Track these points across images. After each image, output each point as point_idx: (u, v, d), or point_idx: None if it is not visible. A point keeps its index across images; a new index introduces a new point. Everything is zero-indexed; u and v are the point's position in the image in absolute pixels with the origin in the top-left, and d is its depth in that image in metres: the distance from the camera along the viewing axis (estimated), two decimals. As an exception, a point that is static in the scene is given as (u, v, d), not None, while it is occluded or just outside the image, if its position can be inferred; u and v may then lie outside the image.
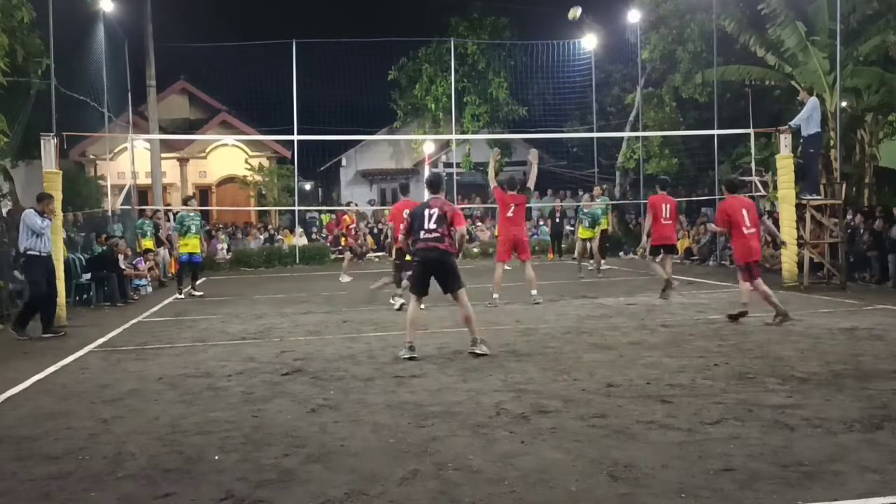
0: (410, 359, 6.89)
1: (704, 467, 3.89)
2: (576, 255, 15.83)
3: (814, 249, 12.42)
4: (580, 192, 23.25)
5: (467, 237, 7.76)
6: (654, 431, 4.53)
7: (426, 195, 7.38)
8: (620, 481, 3.73)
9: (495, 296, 10.68)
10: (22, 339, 9.03)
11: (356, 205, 22.37)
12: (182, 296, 13.27)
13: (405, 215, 7.76)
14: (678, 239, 19.79)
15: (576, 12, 18.33)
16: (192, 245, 13.28)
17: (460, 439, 4.49)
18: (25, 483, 4.00)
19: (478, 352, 7.03)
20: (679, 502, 3.47)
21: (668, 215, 11.11)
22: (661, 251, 11.27)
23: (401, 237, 7.49)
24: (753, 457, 4.02)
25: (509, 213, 10.72)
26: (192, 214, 13.53)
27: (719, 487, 3.61)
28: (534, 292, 10.83)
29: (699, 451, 4.14)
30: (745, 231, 8.54)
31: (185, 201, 14.09)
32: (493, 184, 11.76)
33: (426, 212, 7.10)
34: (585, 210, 15.91)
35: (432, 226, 7.02)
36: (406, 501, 3.58)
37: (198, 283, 14.26)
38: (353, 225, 15.25)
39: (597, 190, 17.66)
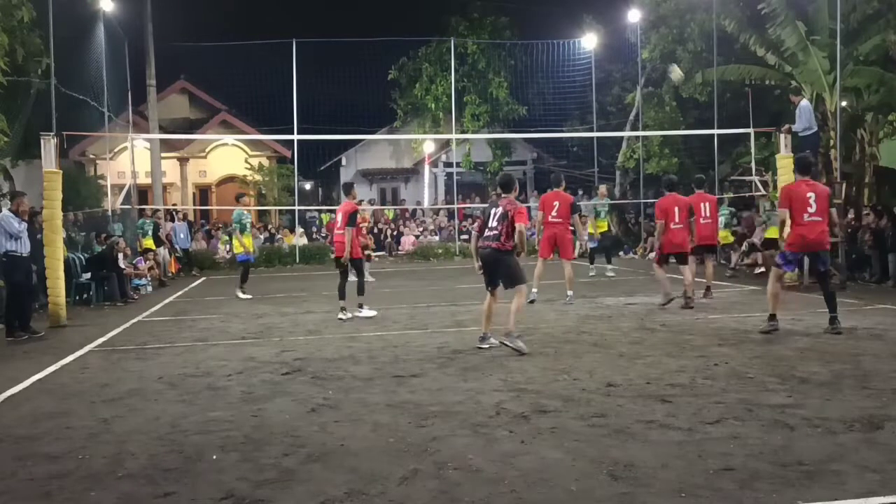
0: (481, 347, 7.28)
1: (704, 467, 3.89)
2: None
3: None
4: (579, 192, 23.24)
5: (529, 234, 7.85)
6: (654, 431, 4.53)
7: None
8: (620, 481, 3.74)
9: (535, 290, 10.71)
10: (24, 336, 9.06)
11: (370, 203, 22.39)
12: (249, 296, 12.59)
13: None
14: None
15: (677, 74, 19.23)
16: (248, 243, 12.93)
17: (460, 439, 4.49)
18: (25, 482, 4.01)
19: (509, 344, 7.01)
20: (679, 502, 3.48)
21: (707, 214, 10.80)
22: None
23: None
24: (753, 456, 4.02)
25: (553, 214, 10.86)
26: (246, 213, 13.23)
27: (719, 487, 3.62)
28: (570, 293, 10.86)
29: (699, 450, 4.14)
30: (673, 226, 10.10)
31: (238, 198, 13.42)
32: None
33: (493, 211, 7.25)
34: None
35: (494, 223, 7.16)
36: (406, 501, 3.58)
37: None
38: (366, 224, 15.21)
39: (602, 189, 17.02)
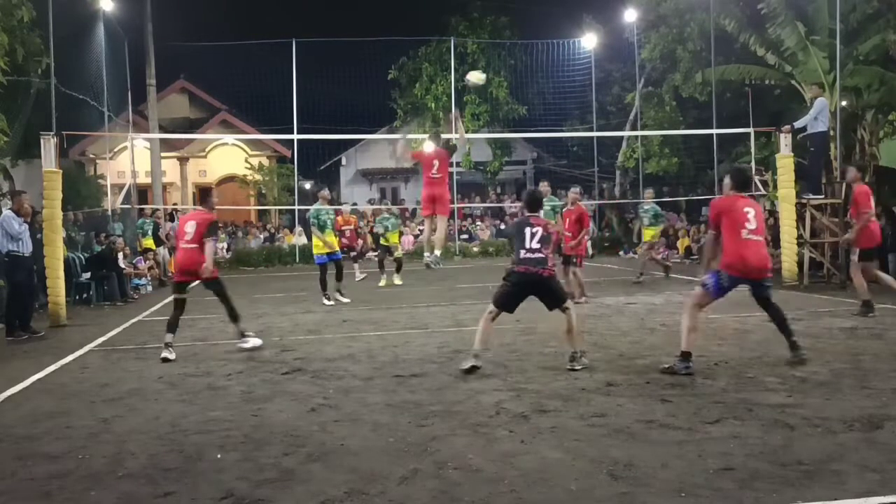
0: (471, 369, 6.28)
1: (704, 466, 3.89)
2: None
3: (814, 249, 12.43)
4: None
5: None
6: (654, 431, 4.53)
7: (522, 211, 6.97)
8: (620, 480, 3.74)
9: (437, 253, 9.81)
10: (24, 336, 9.06)
11: (370, 202, 22.42)
12: (331, 302, 11.59)
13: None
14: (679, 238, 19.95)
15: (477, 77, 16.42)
16: (328, 243, 11.70)
17: (460, 438, 4.49)
18: (26, 482, 4.01)
19: (577, 367, 6.34)
20: (679, 501, 3.48)
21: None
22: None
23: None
24: (753, 456, 4.03)
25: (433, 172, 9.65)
26: (327, 208, 12.00)
27: (719, 486, 3.62)
28: (437, 252, 9.68)
29: (699, 450, 4.14)
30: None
31: (317, 193, 12.44)
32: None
33: (528, 230, 6.51)
34: (646, 207, 14.44)
35: (535, 245, 6.45)
36: (406, 500, 3.58)
37: (342, 284, 12.06)
38: (349, 227, 15.23)
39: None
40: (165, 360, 7.30)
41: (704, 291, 6.30)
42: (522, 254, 6.46)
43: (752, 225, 6.28)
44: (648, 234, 14.25)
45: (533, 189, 7.11)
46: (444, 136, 10.27)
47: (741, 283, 6.29)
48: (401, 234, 15.36)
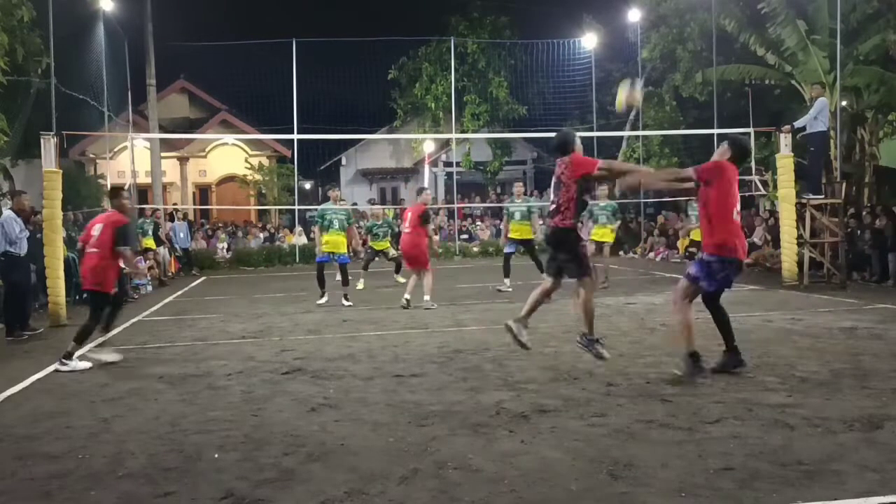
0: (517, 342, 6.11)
1: (704, 466, 3.89)
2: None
3: (814, 248, 12.43)
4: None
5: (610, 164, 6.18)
6: (654, 431, 4.54)
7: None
8: (620, 480, 3.74)
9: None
10: (24, 335, 9.06)
11: (370, 202, 22.41)
12: (324, 300, 11.37)
13: None
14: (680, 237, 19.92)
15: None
16: (332, 243, 11.19)
17: (460, 438, 4.49)
18: (25, 482, 4.01)
19: (588, 349, 6.11)
20: (679, 501, 3.48)
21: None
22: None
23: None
24: (753, 456, 4.03)
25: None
26: (335, 207, 11.52)
27: (719, 486, 3.62)
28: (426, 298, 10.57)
29: (699, 450, 4.15)
30: None
31: (327, 192, 12.03)
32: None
33: (553, 182, 6.12)
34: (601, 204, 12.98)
35: (553, 197, 6.02)
36: (406, 500, 3.58)
37: (348, 289, 11.55)
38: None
39: (518, 188, 13.44)
40: (92, 364, 7.00)
41: (689, 283, 5.77)
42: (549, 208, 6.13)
43: (737, 205, 5.79)
44: (601, 233, 12.76)
45: (561, 130, 6.46)
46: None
47: (730, 264, 5.67)
48: (394, 237, 15.04)
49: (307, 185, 33.05)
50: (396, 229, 15.05)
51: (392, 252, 14.41)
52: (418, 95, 27.04)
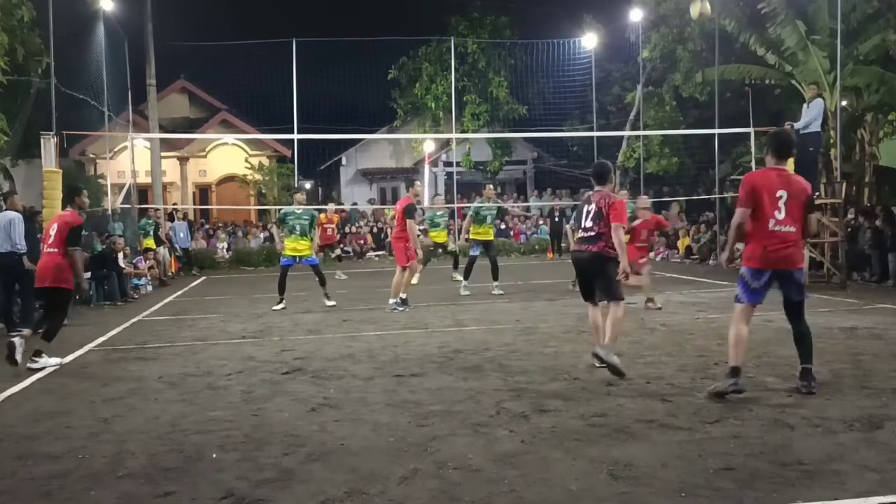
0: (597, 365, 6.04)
1: (704, 466, 3.89)
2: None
3: (814, 248, 12.43)
4: (581, 191, 23.27)
5: (624, 238, 6.30)
6: (654, 430, 4.53)
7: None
8: (620, 480, 3.73)
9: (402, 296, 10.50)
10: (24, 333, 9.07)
11: (370, 202, 22.42)
12: (281, 306, 11.12)
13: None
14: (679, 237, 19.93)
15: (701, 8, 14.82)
16: (295, 248, 11.09)
17: (460, 438, 4.49)
18: (25, 482, 4.00)
19: (604, 358, 5.88)
20: (679, 501, 3.47)
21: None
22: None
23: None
24: (753, 456, 4.02)
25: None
26: (298, 212, 11.21)
27: (719, 486, 3.61)
28: (391, 301, 10.41)
29: (699, 450, 4.14)
30: None
31: (294, 194, 11.76)
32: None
33: (586, 208, 6.28)
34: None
35: (588, 223, 6.20)
36: (406, 500, 3.58)
37: (327, 289, 11.55)
38: (330, 224, 15.12)
39: (488, 190, 13.12)
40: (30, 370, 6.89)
41: (739, 305, 5.36)
42: (580, 234, 6.31)
43: (780, 214, 5.19)
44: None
45: (601, 161, 6.63)
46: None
47: (767, 276, 5.23)
48: (448, 231, 14.72)
49: (307, 185, 33.06)
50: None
51: (451, 245, 14.17)
52: (418, 95, 27.04)
